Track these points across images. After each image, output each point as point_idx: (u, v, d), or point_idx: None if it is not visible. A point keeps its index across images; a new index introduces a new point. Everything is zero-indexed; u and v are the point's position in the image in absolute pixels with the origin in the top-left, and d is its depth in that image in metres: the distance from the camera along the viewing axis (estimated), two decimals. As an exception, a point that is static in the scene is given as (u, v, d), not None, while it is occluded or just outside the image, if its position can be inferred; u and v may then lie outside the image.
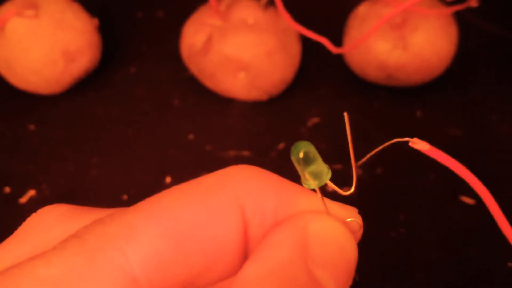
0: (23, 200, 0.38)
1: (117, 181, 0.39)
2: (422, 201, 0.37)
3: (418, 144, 0.15)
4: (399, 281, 0.34)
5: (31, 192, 0.39)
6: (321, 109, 0.43)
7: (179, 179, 0.39)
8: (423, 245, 0.35)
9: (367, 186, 0.38)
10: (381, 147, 0.16)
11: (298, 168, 0.16)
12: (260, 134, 0.42)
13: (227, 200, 0.15)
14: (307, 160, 0.16)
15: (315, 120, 0.42)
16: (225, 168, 0.16)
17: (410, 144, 0.15)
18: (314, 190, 0.16)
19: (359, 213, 0.17)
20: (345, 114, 0.16)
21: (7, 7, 0.41)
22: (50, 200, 0.38)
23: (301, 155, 0.16)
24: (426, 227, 0.36)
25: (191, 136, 0.42)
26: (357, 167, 0.17)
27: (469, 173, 0.15)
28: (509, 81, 0.45)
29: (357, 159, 0.17)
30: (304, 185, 0.16)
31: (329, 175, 0.16)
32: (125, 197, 0.38)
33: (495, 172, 0.39)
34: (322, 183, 0.16)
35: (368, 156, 0.17)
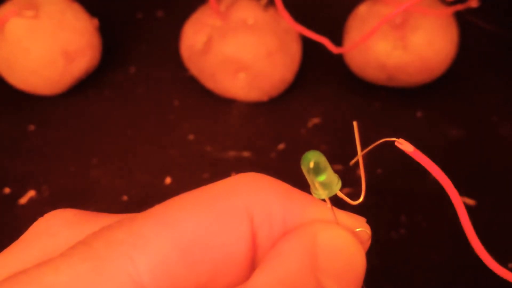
0: (23, 201, 0.38)
1: (117, 182, 0.39)
2: (423, 202, 0.37)
3: (403, 145, 0.15)
4: (399, 282, 0.34)
5: (31, 193, 0.39)
6: (321, 109, 0.43)
7: (179, 179, 0.39)
8: (423, 246, 0.35)
9: (367, 187, 0.38)
10: (370, 147, 0.16)
11: (308, 177, 0.16)
12: (260, 134, 0.42)
13: (236, 209, 0.15)
14: (317, 170, 0.16)
15: (315, 120, 0.42)
16: (233, 176, 0.16)
17: (396, 144, 0.15)
18: (323, 199, 0.16)
19: (367, 222, 0.17)
20: (355, 123, 0.16)
21: (7, 7, 0.41)
22: (50, 201, 0.38)
23: (312, 165, 0.15)
24: (427, 227, 0.36)
25: (191, 137, 0.42)
26: (365, 175, 0.17)
27: (448, 181, 0.16)
28: (509, 81, 0.45)
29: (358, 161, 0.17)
30: (313, 194, 0.16)
31: (339, 185, 0.16)
32: (125, 197, 0.38)
33: (495, 172, 0.39)
34: (332, 193, 0.16)
35: (356, 158, 0.17)
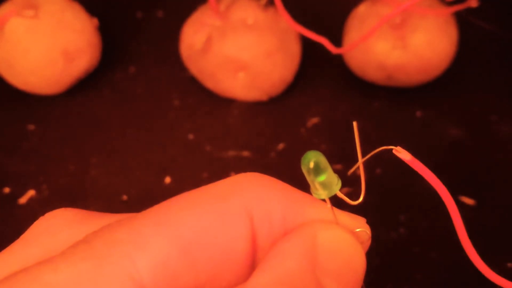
0: (23, 200, 0.38)
1: (117, 181, 0.39)
2: (422, 201, 0.37)
3: (401, 153, 0.15)
4: (399, 281, 0.34)
5: (31, 192, 0.39)
6: (321, 109, 0.43)
7: (179, 179, 0.39)
8: (423, 245, 0.35)
9: (367, 187, 0.38)
10: (368, 156, 0.16)
11: (308, 178, 0.16)
12: (260, 134, 0.42)
13: (236, 208, 0.15)
14: (317, 170, 0.16)
15: (315, 120, 0.42)
16: (234, 176, 0.16)
17: (393, 152, 0.16)
18: (323, 199, 0.16)
19: (367, 222, 0.17)
20: (355, 123, 0.16)
21: (7, 7, 0.41)
22: (50, 200, 0.38)
23: (312, 165, 0.15)
24: (426, 227, 0.36)
25: (191, 136, 0.42)
26: (364, 174, 0.17)
27: (444, 189, 0.16)
28: (509, 81, 0.45)
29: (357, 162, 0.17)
30: (313, 194, 0.16)
31: (339, 185, 0.16)
32: (124, 197, 0.38)
33: (494, 171, 0.39)
34: (332, 193, 0.16)
35: (356, 165, 0.17)
